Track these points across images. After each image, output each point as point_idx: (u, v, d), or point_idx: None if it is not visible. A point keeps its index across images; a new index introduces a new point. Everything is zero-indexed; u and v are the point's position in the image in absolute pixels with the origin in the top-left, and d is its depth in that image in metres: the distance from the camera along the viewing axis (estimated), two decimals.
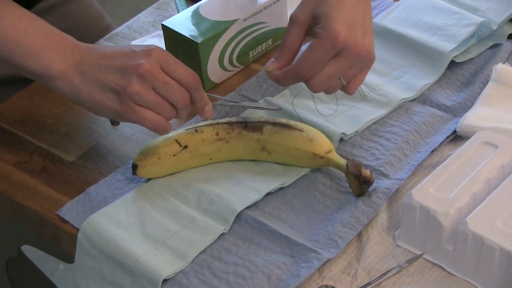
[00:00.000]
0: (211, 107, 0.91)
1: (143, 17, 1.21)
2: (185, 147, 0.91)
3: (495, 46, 1.07)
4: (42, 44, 0.88)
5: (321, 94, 0.94)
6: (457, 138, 0.96)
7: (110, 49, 0.89)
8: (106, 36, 1.17)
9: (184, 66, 0.88)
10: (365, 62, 0.87)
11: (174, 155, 0.91)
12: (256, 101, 1.02)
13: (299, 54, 0.87)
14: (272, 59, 0.88)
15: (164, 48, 1.06)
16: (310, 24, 0.85)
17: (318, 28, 0.83)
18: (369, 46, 0.86)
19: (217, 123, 0.92)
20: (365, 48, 0.85)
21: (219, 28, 1.03)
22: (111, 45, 0.89)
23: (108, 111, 0.88)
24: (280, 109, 0.97)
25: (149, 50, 0.86)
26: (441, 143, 0.95)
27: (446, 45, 1.05)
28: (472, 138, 0.88)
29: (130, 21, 1.20)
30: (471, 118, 0.95)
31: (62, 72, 0.87)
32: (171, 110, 0.87)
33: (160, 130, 0.88)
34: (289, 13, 1.12)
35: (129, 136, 1.00)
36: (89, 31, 1.25)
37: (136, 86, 0.85)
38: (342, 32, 0.82)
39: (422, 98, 1.01)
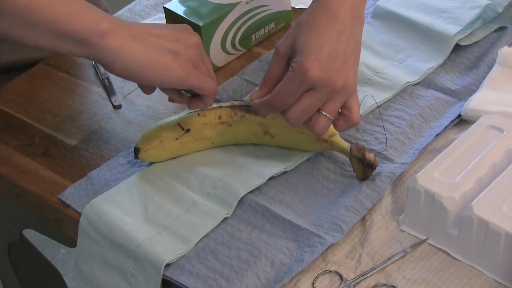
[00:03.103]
0: None
1: None
2: (188, 130, 0.91)
3: (501, 29, 1.07)
4: (85, 4, 0.84)
5: None
6: (461, 122, 0.95)
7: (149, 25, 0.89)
8: None
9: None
10: (344, 94, 0.83)
11: (176, 139, 0.91)
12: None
13: None
14: (257, 88, 0.87)
15: None
16: (291, 55, 0.84)
17: (293, 62, 0.82)
18: (346, 79, 0.82)
19: (220, 107, 0.92)
20: (342, 81, 0.82)
21: (222, 11, 1.02)
22: None
23: (171, 72, 0.85)
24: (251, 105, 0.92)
25: (187, 29, 0.89)
26: (445, 127, 0.94)
27: (451, 28, 1.04)
28: (477, 122, 0.87)
29: (132, 4, 1.19)
30: (476, 102, 0.94)
31: (113, 29, 0.83)
32: None
33: (213, 95, 0.88)
34: None
35: (131, 120, 1.00)
36: None
37: (194, 49, 0.86)
38: (313, 68, 0.80)
39: (427, 82, 1.01)
